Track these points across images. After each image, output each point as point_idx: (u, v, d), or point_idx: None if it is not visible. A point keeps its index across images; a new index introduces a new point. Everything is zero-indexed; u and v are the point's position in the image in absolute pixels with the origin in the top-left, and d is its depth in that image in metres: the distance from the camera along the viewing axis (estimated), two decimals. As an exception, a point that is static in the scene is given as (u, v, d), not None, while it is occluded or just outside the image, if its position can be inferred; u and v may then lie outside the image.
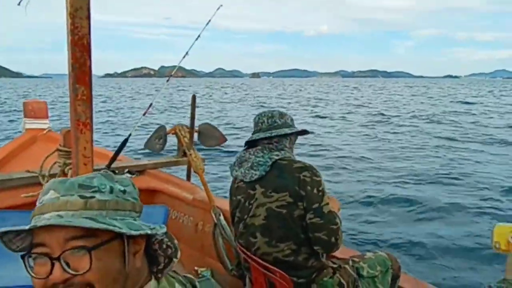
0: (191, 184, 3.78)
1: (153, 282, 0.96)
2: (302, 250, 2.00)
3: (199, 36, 3.12)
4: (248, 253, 2.08)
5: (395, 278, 2.20)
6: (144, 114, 3.12)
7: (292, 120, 2.30)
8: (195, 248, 3.34)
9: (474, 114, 22.10)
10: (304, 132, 2.37)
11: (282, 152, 2.13)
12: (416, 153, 10.98)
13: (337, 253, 2.29)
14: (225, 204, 2.71)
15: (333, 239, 1.96)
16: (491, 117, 20.31)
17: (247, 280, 2.39)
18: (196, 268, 3.07)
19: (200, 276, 2.92)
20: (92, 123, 2.59)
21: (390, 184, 7.87)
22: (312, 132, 3.05)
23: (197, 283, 1.16)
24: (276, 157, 2.09)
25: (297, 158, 2.19)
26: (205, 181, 3.34)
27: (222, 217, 3.01)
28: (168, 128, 3.84)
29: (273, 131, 2.16)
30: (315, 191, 1.98)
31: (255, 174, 2.08)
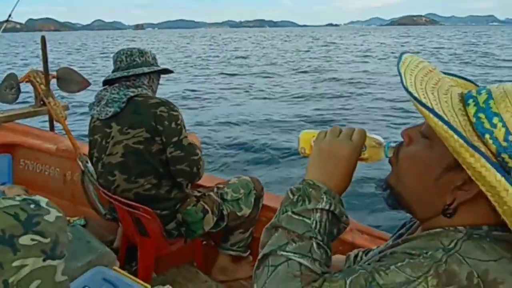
0: (54, 134, 3.55)
1: None
2: (163, 183, 2.03)
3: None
4: (109, 193, 2.06)
5: (258, 198, 2.34)
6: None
7: (154, 58, 2.24)
8: (66, 199, 3.22)
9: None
10: (166, 71, 2.32)
11: (139, 89, 2.09)
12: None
13: (203, 182, 2.37)
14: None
15: (195, 169, 2.02)
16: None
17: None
18: (68, 218, 2.97)
19: (72, 225, 2.84)
20: None
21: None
22: (172, 71, 3.07)
23: None
24: (132, 94, 2.04)
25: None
26: (68, 129, 3.15)
27: (89, 164, 2.90)
28: (20, 75, 3.49)
29: (130, 70, 2.10)
30: (173, 125, 1.99)
31: (110, 111, 2.03)
